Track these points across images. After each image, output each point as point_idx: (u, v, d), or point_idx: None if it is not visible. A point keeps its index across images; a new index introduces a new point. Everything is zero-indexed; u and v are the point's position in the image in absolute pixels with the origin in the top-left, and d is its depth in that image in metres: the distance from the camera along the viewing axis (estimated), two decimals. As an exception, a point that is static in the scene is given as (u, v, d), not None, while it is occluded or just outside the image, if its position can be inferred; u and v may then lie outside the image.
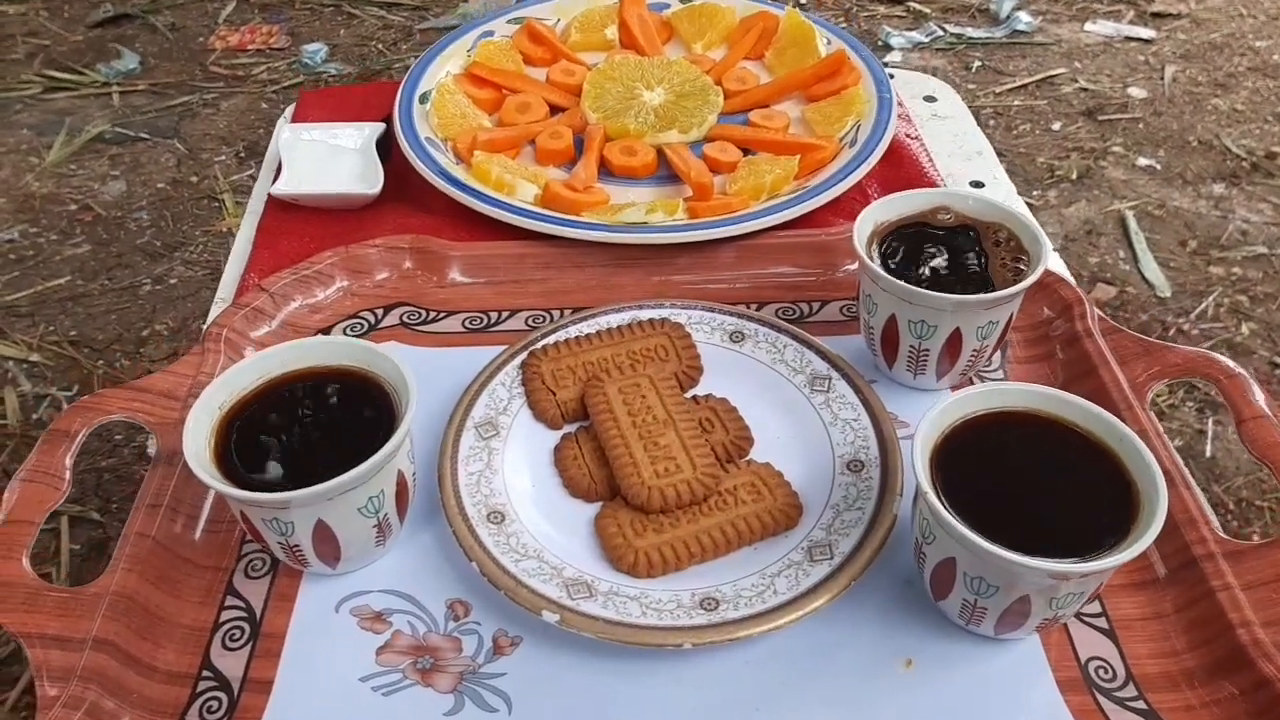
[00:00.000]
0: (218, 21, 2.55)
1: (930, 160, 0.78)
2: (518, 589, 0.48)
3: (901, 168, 0.76)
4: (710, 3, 0.90)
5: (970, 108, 2.25)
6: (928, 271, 0.57)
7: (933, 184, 0.75)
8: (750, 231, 0.68)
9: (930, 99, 0.87)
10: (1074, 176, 1.92)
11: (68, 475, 0.53)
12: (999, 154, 1.98)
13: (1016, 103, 2.15)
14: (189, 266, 1.74)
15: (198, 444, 0.48)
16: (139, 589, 0.50)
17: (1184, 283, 1.67)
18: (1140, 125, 2.06)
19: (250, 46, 2.47)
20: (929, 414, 0.46)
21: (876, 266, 0.55)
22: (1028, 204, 1.86)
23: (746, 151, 0.77)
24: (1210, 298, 1.63)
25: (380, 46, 2.44)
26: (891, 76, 0.88)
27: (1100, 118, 2.09)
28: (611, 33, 0.89)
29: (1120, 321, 1.59)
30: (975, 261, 0.57)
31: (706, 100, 0.80)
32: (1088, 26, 2.40)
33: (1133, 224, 1.78)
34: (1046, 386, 0.48)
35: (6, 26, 2.54)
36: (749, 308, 0.65)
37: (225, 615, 0.50)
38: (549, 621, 0.47)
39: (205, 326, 0.64)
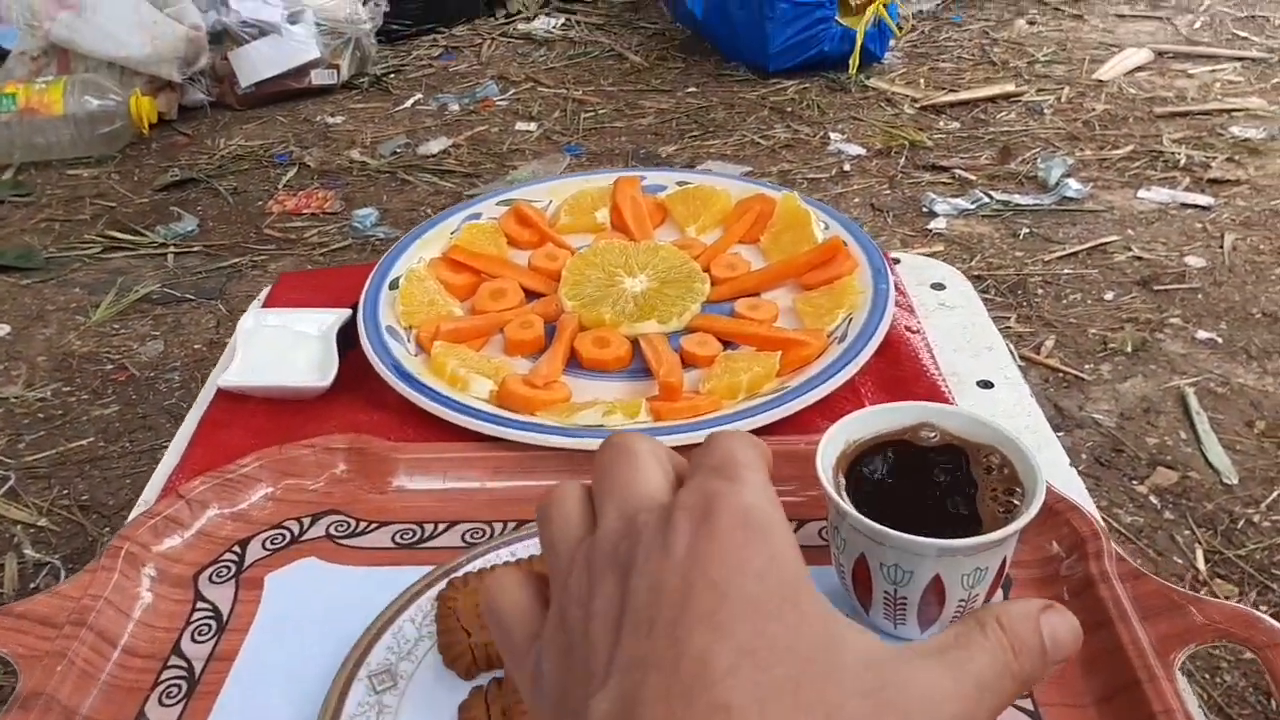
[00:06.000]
0: (278, 187, 2.64)
1: (932, 356, 0.71)
2: None
3: (899, 365, 0.69)
4: (706, 185, 0.87)
5: (1018, 275, 2.18)
6: (904, 504, 0.49)
7: (933, 383, 0.68)
8: (720, 439, 0.61)
9: (938, 286, 0.81)
10: (1129, 349, 1.82)
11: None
12: (1048, 324, 1.92)
13: (1067, 271, 2.08)
14: (211, 429, 1.72)
15: None
16: None
17: (1252, 468, 1.54)
18: (1199, 296, 1.97)
19: (305, 210, 2.54)
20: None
21: (841, 499, 0.48)
22: (1079, 378, 1.76)
23: (729, 345, 0.71)
24: (1282, 485, 1.50)
25: (429, 211, 2.49)
26: (897, 261, 0.82)
27: (1156, 287, 2.00)
28: (602, 215, 0.86)
29: (1183, 511, 1.47)
30: (961, 493, 0.49)
31: (691, 288, 0.75)
32: (1141, 194, 2.35)
33: (1194, 402, 1.67)
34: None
35: (79, 189, 2.67)
36: (715, 526, 0.58)
37: None
38: None
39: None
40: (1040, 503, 0.46)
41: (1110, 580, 0.51)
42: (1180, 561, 1.40)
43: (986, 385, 0.70)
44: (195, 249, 2.38)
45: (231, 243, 2.40)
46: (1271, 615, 1.42)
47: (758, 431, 0.62)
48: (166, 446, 0.71)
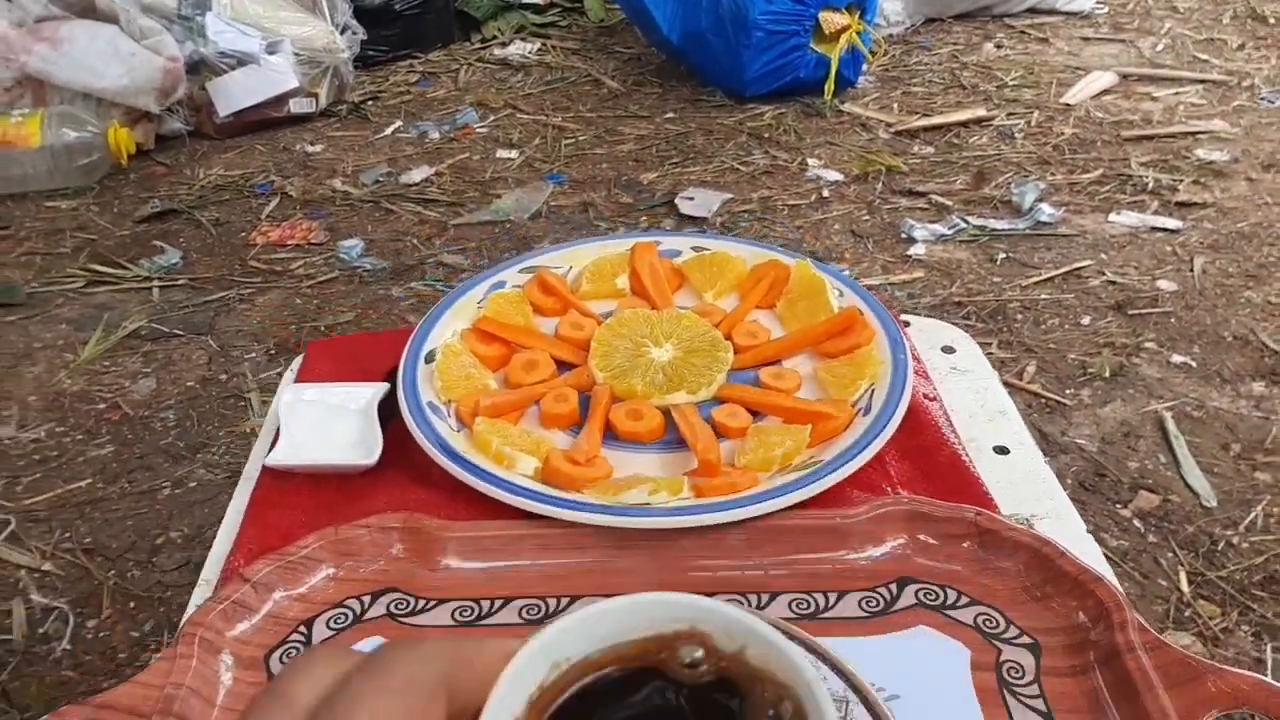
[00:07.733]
0: (260, 217, 2.65)
1: (950, 423, 0.75)
2: None
3: (920, 434, 0.73)
4: (721, 251, 0.90)
5: (998, 301, 2.23)
6: None
7: (954, 452, 0.71)
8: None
9: (949, 349, 0.85)
10: (1107, 374, 1.88)
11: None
12: (1028, 350, 1.98)
13: (1044, 296, 2.14)
14: (209, 469, 1.73)
15: None
16: None
17: (1230, 490, 1.60)
18: (1172, 320, 2.04)
19: (290, 242, 2.54)
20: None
21: None
22: (1060, 403, 1.82)
23: (756, 413, 0.74)
24: (1259, 507, 1.56)
25: (415, 241, 2.51)
26: (906, 325, 0.86)
27: (1130, 311, 2.07)
28: (622, 281, 0.89)
29: (1165, 534, 1.52)
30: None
31: (716, 357, 0.78)
32: (1112, 217, 2.42)
33: (1171, 426, 1.73)
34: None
35: (58, 221, 2.65)
36: (759, 599, 0.61)
37: None
38: None
39: (182, 623, 0.61)
40: None
41: (1136, 651, 0.55)
42: (1165, 584, 1.45)
43: (1002, 451, 0.74)
44: (180, 282, 2.38)
45: (217, 275, 2.40)
46: (1253, 634, 1.47)
47: (793, 507, 0.65)
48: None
